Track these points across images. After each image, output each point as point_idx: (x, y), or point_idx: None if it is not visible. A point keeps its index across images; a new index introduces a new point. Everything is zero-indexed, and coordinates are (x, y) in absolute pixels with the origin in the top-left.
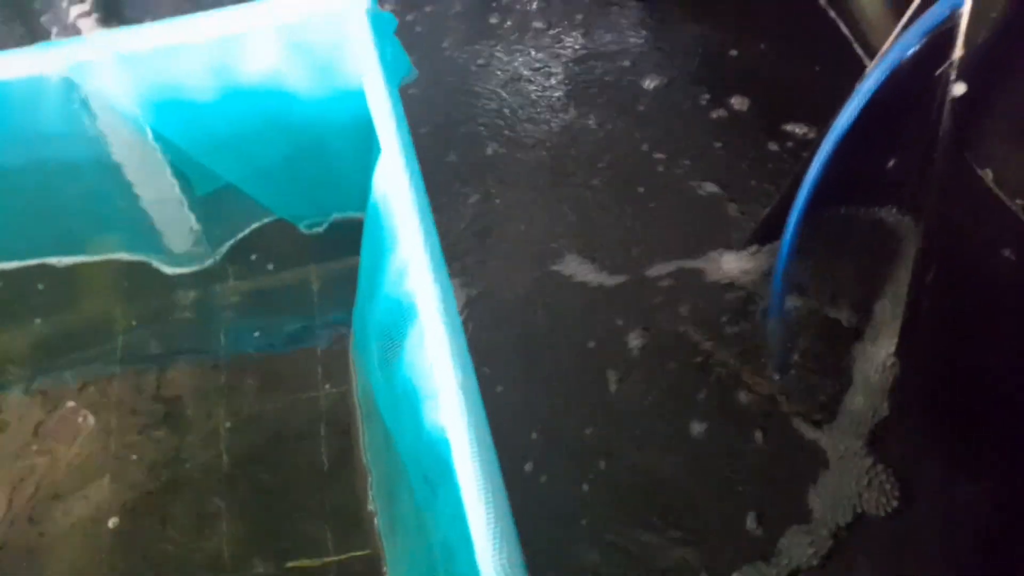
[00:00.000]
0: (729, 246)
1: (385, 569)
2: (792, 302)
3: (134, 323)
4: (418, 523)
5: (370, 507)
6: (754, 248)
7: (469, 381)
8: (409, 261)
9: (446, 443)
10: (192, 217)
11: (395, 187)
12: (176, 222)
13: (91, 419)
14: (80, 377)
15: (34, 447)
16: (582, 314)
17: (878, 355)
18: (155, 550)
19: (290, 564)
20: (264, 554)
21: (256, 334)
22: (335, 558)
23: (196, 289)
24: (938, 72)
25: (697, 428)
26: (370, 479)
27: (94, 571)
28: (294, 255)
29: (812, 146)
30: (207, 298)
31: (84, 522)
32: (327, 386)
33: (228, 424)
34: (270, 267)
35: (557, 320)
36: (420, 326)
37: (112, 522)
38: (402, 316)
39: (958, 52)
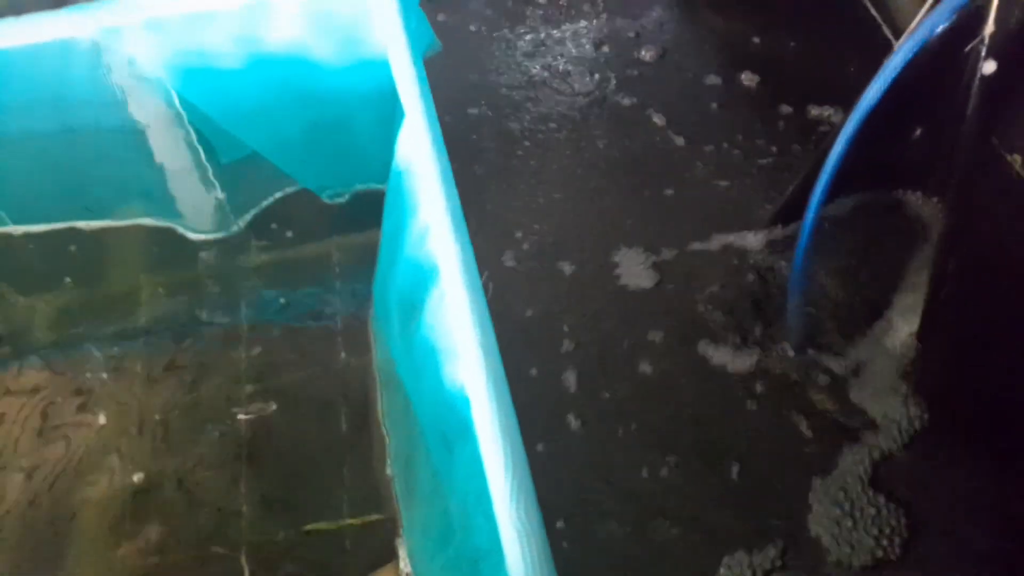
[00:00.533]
0: (751, 226)
1: (401, 532)
2: (813, 282)
3: (159, 290)
4: (434, 486)
5: (388, 472)
6: (776, 228)
7: (488, 339)
8: (430, 224)
9: (465, 400)
10: (217, 185)
11: (417, 152)
12: (201, 189)
13: (114, 385)
14: (105, 342)
15: (57, 413)
16: (600, 292)
17: (898, 337)
18: (176, 517)
19: (308, 527)
20: (283, 518)
21: (278, 304)
22: (352, 522)
23: (219, 258)
24: (967, 49)
25: (712, 401)
26: (388, 446)
27: (116, 540)
28: (316, 226)
29: (836, 126)
30: (230, 267)
31: (105, 491)
32: (347, 357)
33: (248, 392)
34: (292, 237)
35: (577, 293)
36: (441, 288)
37: (133, 490)
38: (423, 279)
39: (989, 29)
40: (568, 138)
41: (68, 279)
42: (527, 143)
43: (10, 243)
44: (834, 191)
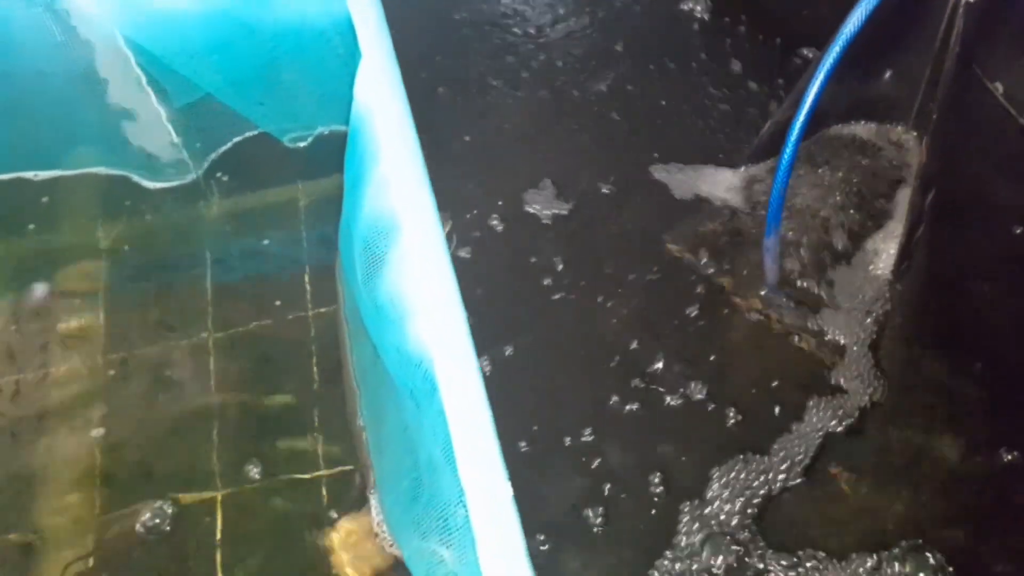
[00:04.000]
0: (727, 163)
1: (373, 484)
2: (788, 220)
3: (117, 241)
4: (405, 439)
5: (359, 423)
6: (753, 165)
7: (452, 297)
8: (391, 174)
9: (428, 358)
10: (171, 129)
11: (376, 95)
12: (155, 135)
13: (77, 336)
14: (64, 294)
15: (18, 366)
16: (567, 227)
17: (874, 274)
18: (143, 462)
19: (281, 476)
20: (256, 467)
21: (242, 253)
22: (325, 472)
23: (180, 207)
24: None
25: (684, 343)
26: (358, 397)
27: (81, 484)
28: (280, 171)
29: (815, 58)
30: (192, 216)
31: (69, 437)
32: (316, 306)
33: (217, 343)
34: (255, 184)
35: (543, 234)
36: (402, 241)
37: (97, 434)
38: (384, 231)
39: None
40: (534, 75)
41: (17, 231)
42: (491, 80)
43: None
44: (812, 127)
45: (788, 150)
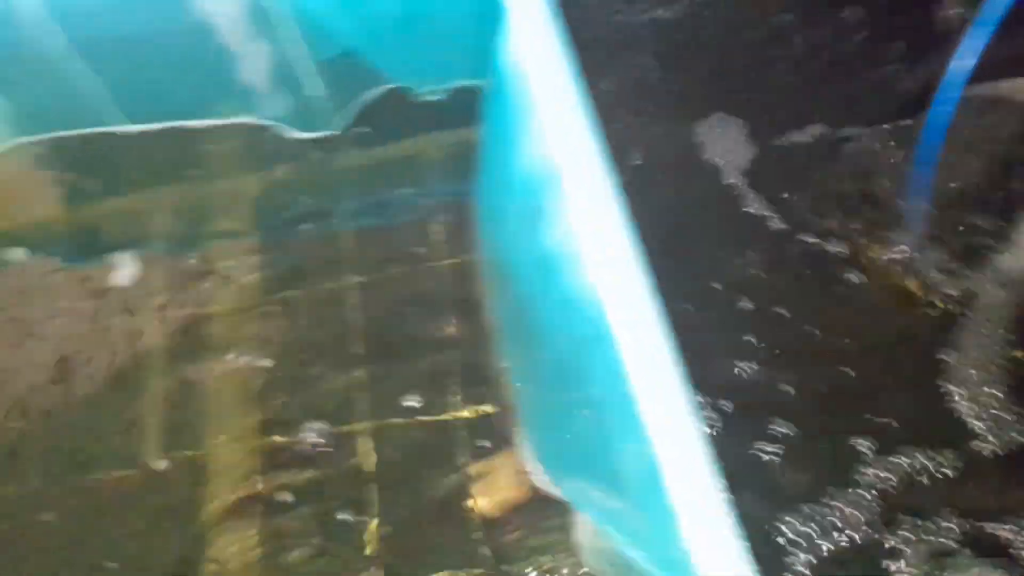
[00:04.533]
0: (872, 120)
1: (519, 424)
2: (936, 183)
3: (264, 188)
4: (560, 382)
5: (500, 367)
6: (899, 121)
7: (624, 241)
8: (553, 121)
9: (602, 306)
10: (316, 82)
11: (532, 45)
12: (301, 86)
13: (220, 282)
14: (210, 239)
15: (180, 303)
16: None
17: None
18: (298, 394)
19: (422, 417)
20: (399, 409)
21: (379, 203)
22: (464, 413)
23: (321, 157)
24: None
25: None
26: (500, 342)
27: (246, 410)
28: (415, 124)
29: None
30: (332, 166)
31: (231, 367)
32: (447, 256)
33: (354, 290)
34: (391, 136)
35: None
36: (568, 190)
37: (256, 364)
38: (545, 180)
39: None
40: (685, 28)
41: (178, 177)
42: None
43: (124, 141)
44: (969, 84)
45: (941, 105)
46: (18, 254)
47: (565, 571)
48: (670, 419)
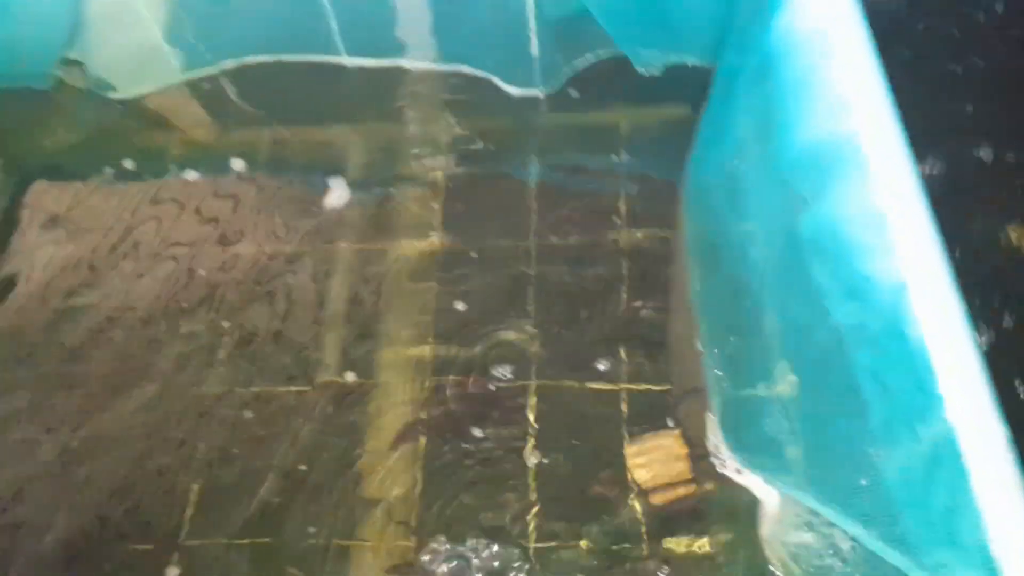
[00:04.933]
0: None
1: (712, 406)
2: None
3: (465, 135)
4: (799, 367)
5: (697, 347)
6: None
7: (928, 232)
8: (850, 98)
9: (903, 293)
10: (537, 41)
11: (827, 17)
12: (523, 44)
13: (415, 220)
14: (399, 180)
15: (366, 241)
16: None
17: None
18: (469, 339)
19: (591, 384)
20: (567, 372)
21: (572, 168)
22: (631, 386)
23: (526, 114)
24: None
25: None
26: (699, 322)
27: (419, 344)
28: (623, 95)
29: None
30: (534, 125)
31: (410, 304)
32: (637, 228)
33: (538, 249)
34: (598, 103)
35: None
36: (865, 170)
37: (430, 312)
38: (828, 161)
39: None
40: None
41: (384, 113)
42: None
43: (342, 74)
44: None
45: None
46: (239, 164)
47: (720, 558)
48: (979, 421)
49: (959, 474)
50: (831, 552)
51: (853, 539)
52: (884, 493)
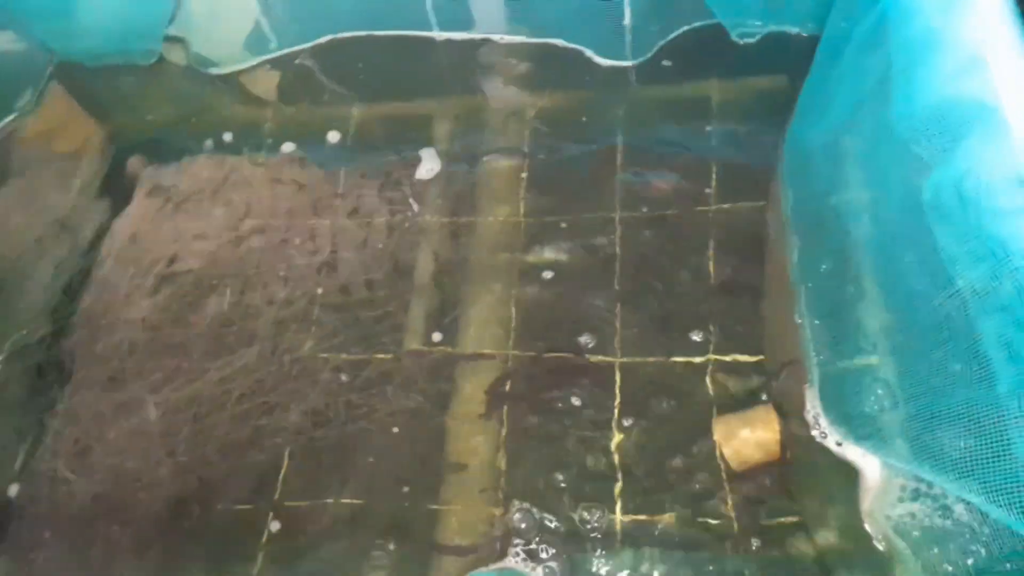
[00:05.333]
0: None
1: (810, 380)
2: None
3: (553, 107)
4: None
5: (796, 320)
6: None
7: None
8: (984, 54)
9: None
10: (632, 11)
11: None
12: (615, 14)
13: (496, 191)
14: (495, 150)
15: (452, 209)
16: None
17: None
18: (551, 318)
19: (676, 358)
20: (655, 349)
21: (658, 140)
22: (719, 357)
23: (617, 86)
24: None
25: None
26: (798, 292)
27: (501, 324)
28: (717, 65)
29: None
30: (624, 97)
31: (494, 278)
32: (719, 201)
33: (623, 221)
34: (693, 74)
35: None
36: (998, 130)
37: (523, 277)
38: (956, 121)
39: None
40: None
41: (472, 87)
42: None
43: (432, 47)
44: None
45: None
46: (334, 136)
47: (816, 534)
48: None
49: None
50: (941, 515)
51: (968, 509)
52: (1012, 461)
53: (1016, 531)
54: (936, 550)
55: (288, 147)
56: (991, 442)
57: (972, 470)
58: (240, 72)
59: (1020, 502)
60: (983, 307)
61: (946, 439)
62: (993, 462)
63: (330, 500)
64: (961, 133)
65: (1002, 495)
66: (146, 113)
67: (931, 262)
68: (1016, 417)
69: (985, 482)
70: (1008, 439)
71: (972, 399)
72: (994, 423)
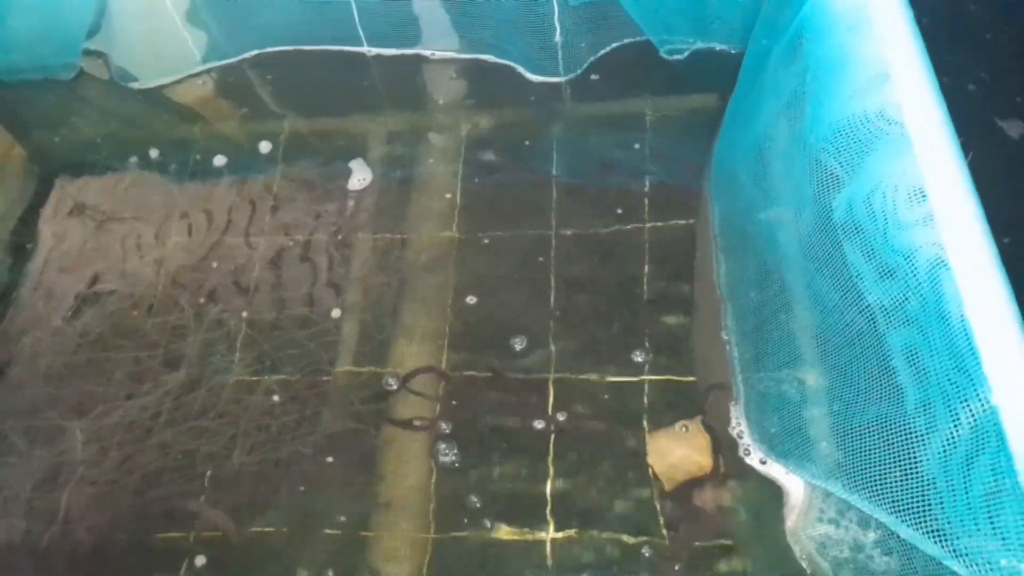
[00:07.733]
0: None
1: (737, 398)
2: None
3: (482, 123)
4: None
5: (723, 337)
6: None
7: (972, 206)
8: (889, 71)
9: (938, 267)
10: (561, 28)
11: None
12: (545, 31)
13: (431, 213)
14: (426, 166)
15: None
16: None
17: None
18: (486, 317)
19: (610, 378)
20: (587, 368)
21: (591, 157)
22: (652, 377)
23: (547, 102)
24: None
25: None
26: (725, 309)
27: (437, 338)
28: (646, 82)
29: None
30: (554, 112)
31: (431, 295)
32: (653, 219)
33: (558, 239)
34: (621, 91)
35: None
36: (902, 146)
37: (450, 289)
38: (863, 136)
39: None
40: None
41: (403, 103)
42: None
43: (365, 63)
44: None
45: None
46: (265, 148)
47: (742, 551)
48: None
49: (1003, 457)
50: (858, 544)
51: (882, 529)
52: (919, 479)
53: (925, 551)
54: (854, 570)
55: (219, 160)
56: (900, 459)
57: (882, 489)
58: (165, 87)
59: (926, 521)
60: (891, 322)
61: (860, 458)
62: (902, 480)
63: (257, 530)
64: (869, 147)
65: (909, 514)
66: (69, 130)
67: (843, 277)
68: (922, 434)
69: (894, 501)
70: (915, 457)
71: (882, 416)
72: (903, 440)
